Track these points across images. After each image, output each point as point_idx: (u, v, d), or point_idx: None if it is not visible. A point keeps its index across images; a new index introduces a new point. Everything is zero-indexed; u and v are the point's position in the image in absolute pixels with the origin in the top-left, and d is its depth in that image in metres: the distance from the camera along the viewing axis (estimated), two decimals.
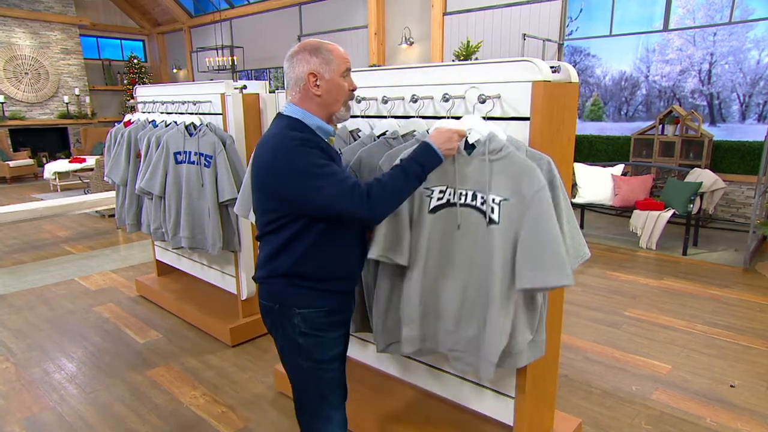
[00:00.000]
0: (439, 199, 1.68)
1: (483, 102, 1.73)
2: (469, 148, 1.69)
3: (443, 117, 1.85)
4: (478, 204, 1.62)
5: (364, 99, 2.12)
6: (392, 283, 1.83)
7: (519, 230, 1.56)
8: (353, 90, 1.59)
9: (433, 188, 1.70)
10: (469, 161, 1.65)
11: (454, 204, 1.67)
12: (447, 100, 1.83)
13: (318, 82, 1.51)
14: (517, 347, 1.69)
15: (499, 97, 1.74)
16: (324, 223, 1.50)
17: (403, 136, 1.94)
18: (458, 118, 1.84)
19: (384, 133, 1.99)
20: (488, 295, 1.62)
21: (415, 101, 1.94)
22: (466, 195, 1.65)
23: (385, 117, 2.06)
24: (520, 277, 1.55)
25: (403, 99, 2.03)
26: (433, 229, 1.70)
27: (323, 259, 1.54)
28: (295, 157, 1.43)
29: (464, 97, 1.83)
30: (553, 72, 1.76)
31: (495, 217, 1.59)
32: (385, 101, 2.04)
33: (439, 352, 1.81)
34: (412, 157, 1.52)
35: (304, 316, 1.55)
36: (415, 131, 1.92)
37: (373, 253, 1.67)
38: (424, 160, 1.51)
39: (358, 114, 2.13)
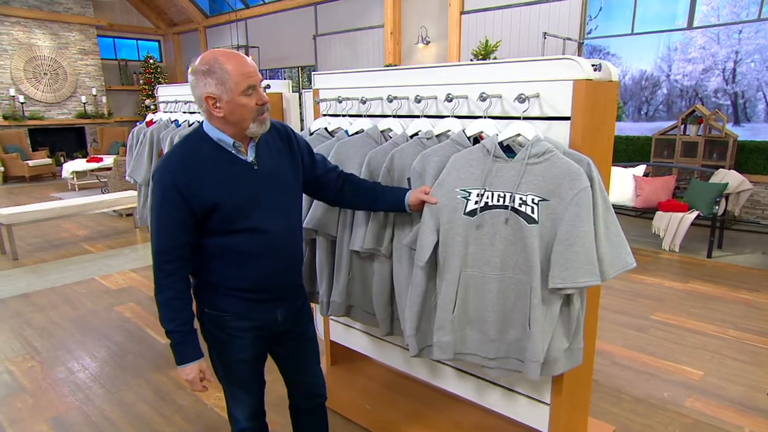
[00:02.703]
0: (476, 202, 1.65)
1: (522, 101, 1.69)
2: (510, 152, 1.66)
3: (479, 117, 1.81)
4: (517, 205, 1.60)
5: (396, 98, 2.08)
6: (427, 286, 1.79)
7: (557, 230, 1.56)
8: (262, 104, 1.47)
9: (470, 190, 1.66)
10: (510, 165, 1.62)
11: (492, 207, 1.64)
12: (484, 99, 1.79)
13: (218, 104, 1.43)
14: (552, 354, 1.65)
15: (538, 96, 1.70)
16: (212, 239, 1.51)
17: (437, 136, 1.90)
18: (495, 118, 1.80)
19: (417, 133, 1.95)
20: (530, 294, 1.60)
21: (450, 100, 1.90)
22: (504, 197, 1.62)
23: (417, 116, 2.02)
24: (552, 277, 1.56)
25: (435, 98, 1.99)
26: (468, 232, 1.67)
27: (217, 271, 1.55)
28: (157, 173, 1.47)
29: (501, 96, 1.79)
30: (594, 70, 1.71)
31: (535, 216, 1.58)
32: (418, 100, 2.00)
33: (480, 365, 1.78)
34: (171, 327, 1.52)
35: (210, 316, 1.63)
36: (449, 131, 1.88)
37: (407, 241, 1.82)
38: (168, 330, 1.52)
39: (390, 114, 2.10)
